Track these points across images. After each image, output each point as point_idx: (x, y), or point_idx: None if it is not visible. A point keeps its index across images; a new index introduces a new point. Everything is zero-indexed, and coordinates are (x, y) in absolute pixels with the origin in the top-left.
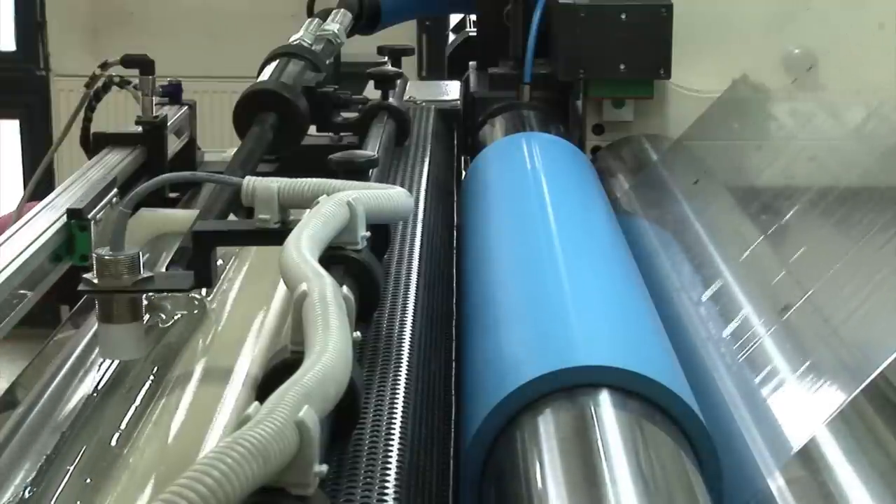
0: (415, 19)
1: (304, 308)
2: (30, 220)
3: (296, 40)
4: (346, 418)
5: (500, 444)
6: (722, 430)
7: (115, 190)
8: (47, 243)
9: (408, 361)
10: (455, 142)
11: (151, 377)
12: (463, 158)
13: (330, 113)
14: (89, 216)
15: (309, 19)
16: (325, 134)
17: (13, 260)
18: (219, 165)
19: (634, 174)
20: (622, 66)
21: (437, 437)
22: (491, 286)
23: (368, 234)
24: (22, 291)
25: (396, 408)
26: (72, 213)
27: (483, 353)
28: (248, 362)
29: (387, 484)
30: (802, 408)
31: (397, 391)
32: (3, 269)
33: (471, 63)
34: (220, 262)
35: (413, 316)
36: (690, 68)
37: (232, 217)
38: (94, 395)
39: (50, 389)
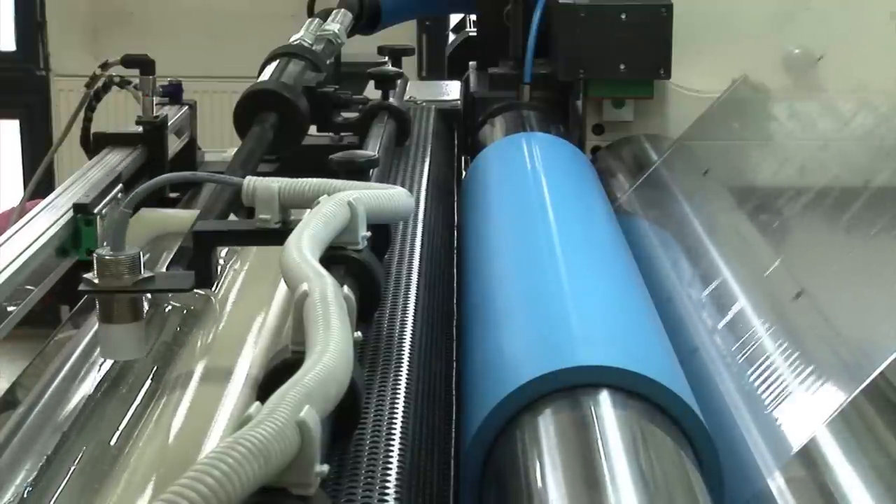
0: (415, 19)
1: (304, 308)
2: (31, 219)
3: (296, 40)
4: (347, 418)
5: (500, 444)
6: (722, 430)
7: (119, 185)
8: (53, 238)
9: (408, 361)
10: (455, 142)
11: (151, 377)
12: (463, 158)
13: (330, 113)
14: (94, 211)
15: (309, 19)
16: (326, 134)
17: (18, 255)
18: (219, 165)
19: (634, 174)
20: (622, 66)
21: (438, 437)
22: (491, 286)
23: (369, 234)
24: (27, 287)
25: (397, 408)
26: (78, 208)
27: (483, 353)
28: (248, 362)
29: (387, 484)
30: (802, 408)
31: (398, 391)
32: (7, 266)
33: (471, 63)
34: (220, 261)
35: (413, 316)
36: (690, 68)
37: (232, 217)
38: (94, 395)
39: (50, 389)
